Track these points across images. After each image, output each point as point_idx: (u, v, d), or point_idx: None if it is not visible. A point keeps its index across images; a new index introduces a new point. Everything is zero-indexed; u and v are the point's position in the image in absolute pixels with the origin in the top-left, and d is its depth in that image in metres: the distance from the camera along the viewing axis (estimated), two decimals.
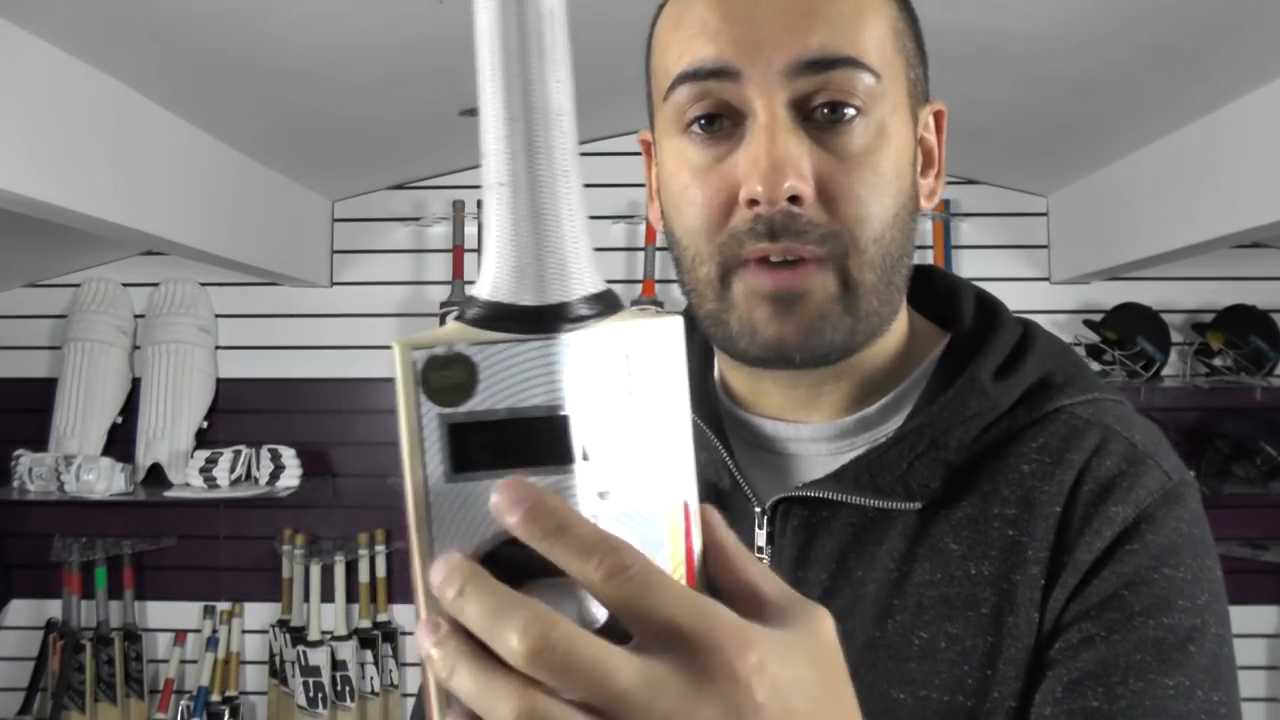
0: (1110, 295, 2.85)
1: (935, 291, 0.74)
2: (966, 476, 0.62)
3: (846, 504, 0.63)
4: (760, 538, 0.66)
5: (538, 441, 0.34)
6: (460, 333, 0.35)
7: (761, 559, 0.66)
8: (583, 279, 0.36)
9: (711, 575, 0.37)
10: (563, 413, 0.34)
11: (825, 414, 0.68)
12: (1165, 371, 2.78)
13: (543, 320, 0.35)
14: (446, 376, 0.34)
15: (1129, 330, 2.73)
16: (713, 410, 0.71)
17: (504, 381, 0.34)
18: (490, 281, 0.36)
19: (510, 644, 0.31)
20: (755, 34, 0.59)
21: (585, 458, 0.35)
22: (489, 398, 0.34)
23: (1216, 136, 2.06)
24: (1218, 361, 2.72)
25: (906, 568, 0.61)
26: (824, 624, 0.37)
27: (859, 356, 0.65)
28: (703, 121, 0.61)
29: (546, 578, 0.34)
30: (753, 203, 0.59)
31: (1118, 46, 1.80)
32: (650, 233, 2.83)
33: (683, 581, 0.37)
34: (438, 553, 0.34)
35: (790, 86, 0.59)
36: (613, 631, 0.34)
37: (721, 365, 0.74)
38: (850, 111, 0.60)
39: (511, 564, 0.34)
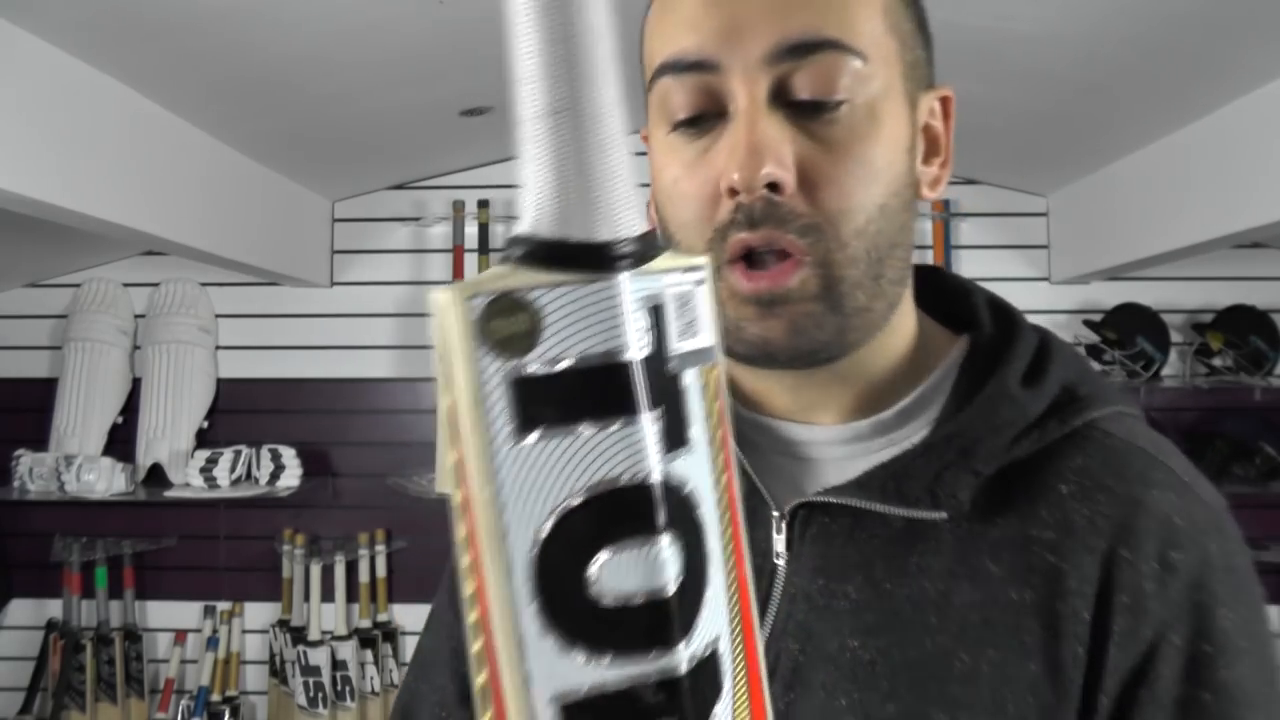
0: (1110, 295, 2.85)
1: (945, 293, 0.70)
2: (1001, 492, 0.60)
3: (870, 513, 0.61)
4: (779, 543, 0.64)
5: (608, 393, 0.31)
6: (516, 274, 0.32)
7: (778, 565, 0.64)
8: (634, 215, 0.34)
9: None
10: (627, 358, 0.32)
11: (835, 416, 0.66)
12: (1165, 371, 2.78)
13: (608, 258, 0.32)
14: (510, 325, 0.31)
15: (1129, 330, 2.73)
16: None
17: (570, 328, 0.31)
18: (543, 215, 0.33)
19: None
20: (735, 21, 0.56)
21: (651, 407, 0.32)
22: (554, 346, 0.31)
23: (1216, 136, 2.06)
24: (1217, 361, 2.72)
25: (945, 586, 0.59)
26: None
27: (861, 357, 0.63)
28: (687, 112, 0.59)
29: (619, 542, 0.32)
30: (733, 192, 0.57)
31: (1117, 47, 1.80)
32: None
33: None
34: (509, 521, 0.31)
35: (771, 72, 0.56)
36: (684, 599, 0.32)
37: (728, 363, 0.71)
38: (835, 97, 0.57)
39: (584, 528, 0.31)
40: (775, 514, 0.64)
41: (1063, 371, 0.64)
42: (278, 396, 2.96)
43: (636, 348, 0.32)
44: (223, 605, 2.92)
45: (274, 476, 2.80)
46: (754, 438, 0.68)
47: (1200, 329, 2.78)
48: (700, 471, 0.34)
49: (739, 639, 0.36)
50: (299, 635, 2.81)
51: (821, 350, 0.59)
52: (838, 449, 0.65)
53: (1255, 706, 0.56)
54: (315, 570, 2.84)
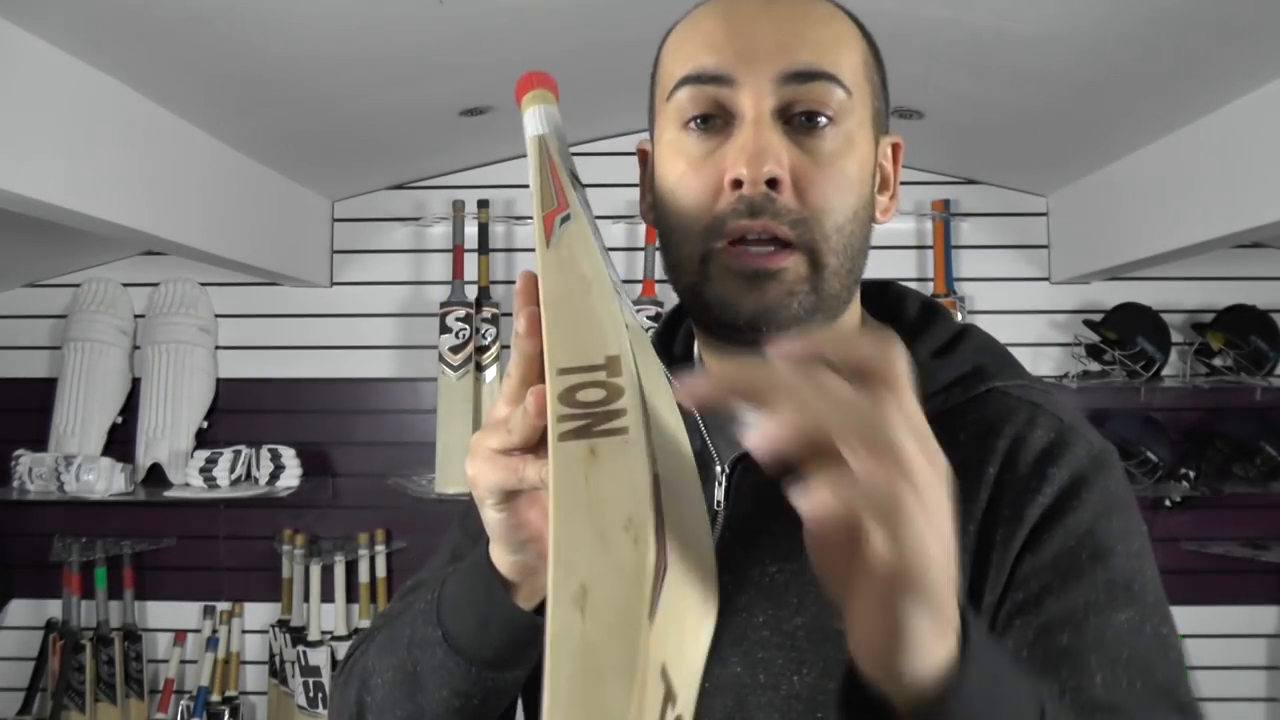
0: (1110, 295, 2.85)
1: (888, 299, 0.85)
2: None
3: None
4: (719, 494, 0.75)
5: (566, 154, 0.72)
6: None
7: (719, 511, 0.74)
8: None
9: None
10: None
11: None
12: (1165, 371, 2.78)
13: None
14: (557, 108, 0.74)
15: (1129, 330, 2.73)
16: None
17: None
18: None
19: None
20: (751, 48, 0.69)
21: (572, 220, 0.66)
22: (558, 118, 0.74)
23: (1216, 136, 2.06)
24: (1218, 361, 2.72)
25: None
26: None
27: None
28: (700, 119, 0.71)
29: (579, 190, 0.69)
30: (737, 184, 0.68)
31: (1118, 47, 1.80)
32: (650, 233, 2.83)
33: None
34: (568, 164, 0.69)
35: (777, 94, 0.69)
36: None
37: (699, 344, 0.82)
38: (824, 119, 0.70)
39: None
40: (718, 469, 0.76)
41: (976, 355, 0.76)
42: (277, 396, 2.96)
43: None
44: (222, 605, 2.92)
45: (274, 476, 2.80)
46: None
47: (1200, 329, 2.78)
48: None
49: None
50: (299, 635, 2.81)
51: (795, 323, 0.70)
52: None
53: (1118, 603, 0.64)
54: (315, 570, 2.84)
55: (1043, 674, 0.63)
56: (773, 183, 0.67)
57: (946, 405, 0.73)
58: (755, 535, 0.72)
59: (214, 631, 2.89)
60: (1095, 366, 2.76)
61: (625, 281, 2.92)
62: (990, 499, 0.68)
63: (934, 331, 0.78)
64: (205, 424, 2.91)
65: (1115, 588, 0.64)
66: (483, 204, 2.89)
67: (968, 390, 0.73)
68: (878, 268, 2.73)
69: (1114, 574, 0.65)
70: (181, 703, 2.82)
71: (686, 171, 0.71)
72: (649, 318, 2.66)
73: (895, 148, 0.79)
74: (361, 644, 0.82)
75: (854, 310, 0.78)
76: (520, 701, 0.77)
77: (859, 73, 0.73)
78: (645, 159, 0.82)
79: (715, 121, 0.70)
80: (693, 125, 0.71)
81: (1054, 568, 0.65)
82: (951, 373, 0.74)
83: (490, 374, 2.81)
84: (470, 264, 2.89)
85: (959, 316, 2.78)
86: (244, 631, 2.92)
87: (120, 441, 2.86)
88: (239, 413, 2.95)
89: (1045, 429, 0.71)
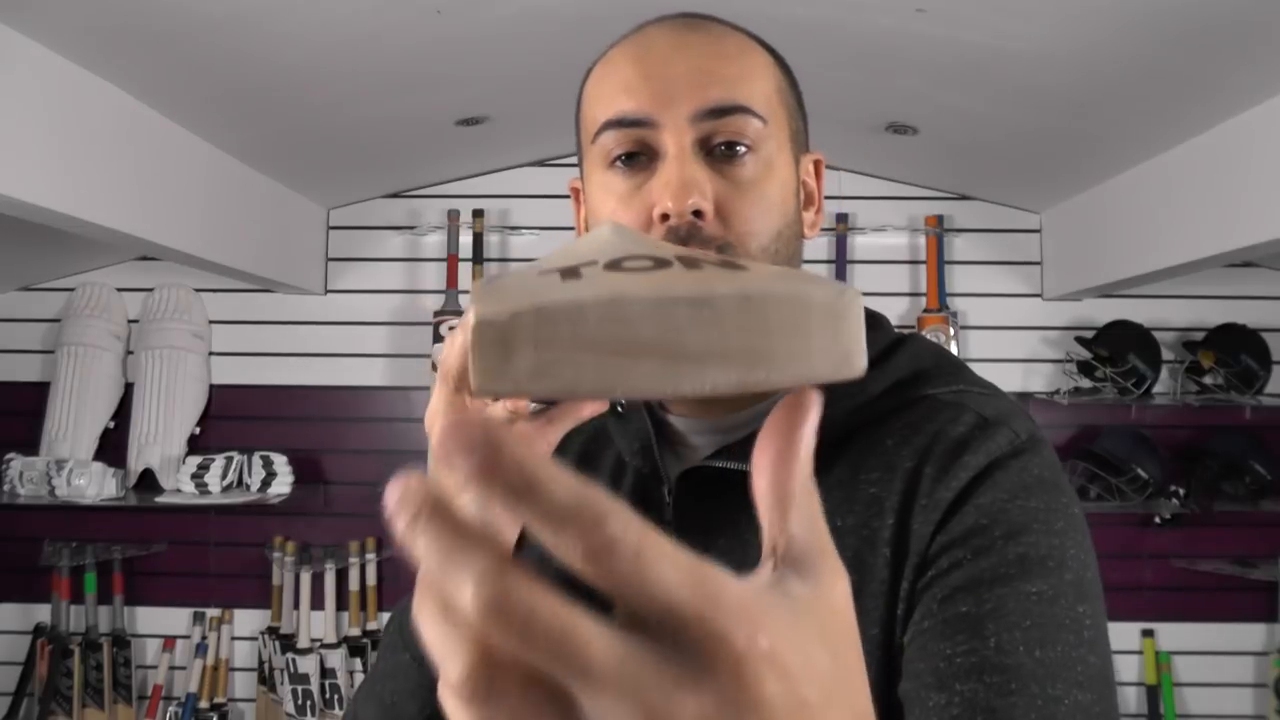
0: (1102, 312, 2.86)
1: None
2: (839, 452, 0.74)
3: (737, 477, 0.72)
4: (668, 512, 0.77)
5: None
6: None
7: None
8: None
9: (769, 473, 0.34)
10: None
11: (723, 411, 0.80)
12: (1156, 389, 2.79)
13: None
14: None
15: (1120, 347, 2.74)
16: (641, 413, 0.85)
17: None
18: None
19: (462, 595, 0.27)
20: (667, 89, 0.73)
21: None
22: None
23: (1208, 156, 2.08)
24: (1208, 380, 2.73)
25: None
26: (840, 583, 0.33)
27: None
28: (624, 158, 0.74)
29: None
30: (664, 217, 0.71)
31: (1111, 65, 1.81)
32: None
33: None
34: None
35: (695, 129, 0.72)
36: None
37: None
38: (742, 148, 0.73)
39: None
40: (665, 488, 0.78)
41: (913, 359, 0.78)
42: (270, 403, 2.96)
43: None
44: (212, 612, 2.92)
45: (265, 483, 2.80)
46: (661, 432, 0.83)
47: (1191, 347, 2.79)
48: None
49: None
50: (288, 643, 2.80)
51: None
52: (718, 436, 0.80)
53: (1030, 576, 0.63)
54: (305, 578, 2.83)
55: (940, 640, 0.63)
56: (698, 213, 0.71)
57: (874, 415, 0.75)
58: (703, 551, 0.71)
59: (203, 638, 2.88)
60: (1087, 383, 2.77)
61: None
62: (905, 490, 0.70)
63: (871, 340, 0.78)
64: (197, 430, 2.90)
65: (1028, 562, 0.64)
66: (477, 213, 2.89)
67: (898, 399, 0.75)
68: (872, 282, 2.72)
69: (1028, 549, 0.64)
70: (170, 709, 2.81)
71: (616, 208, 0.75)
72: None
73: (817, 164, 0.83)
74: (354, 698, 0.85)
75: None
76: None
77: (773, 99, 0.76)
78: (578, 198, 0.84)
79: (640, 158, 0.74)
80: (618, 164, 0.75)
81: (964, 544, 0.66)
82: (881, 383, 0.76)
83: None
84: (464, 273, 2.89)
85: (951, 331, 2.80)
86: (233, 638, 2.91)
87: (112, 446, 2.85)
88: (231, 419, 2.94)
89: (966, 424, 0.72)
